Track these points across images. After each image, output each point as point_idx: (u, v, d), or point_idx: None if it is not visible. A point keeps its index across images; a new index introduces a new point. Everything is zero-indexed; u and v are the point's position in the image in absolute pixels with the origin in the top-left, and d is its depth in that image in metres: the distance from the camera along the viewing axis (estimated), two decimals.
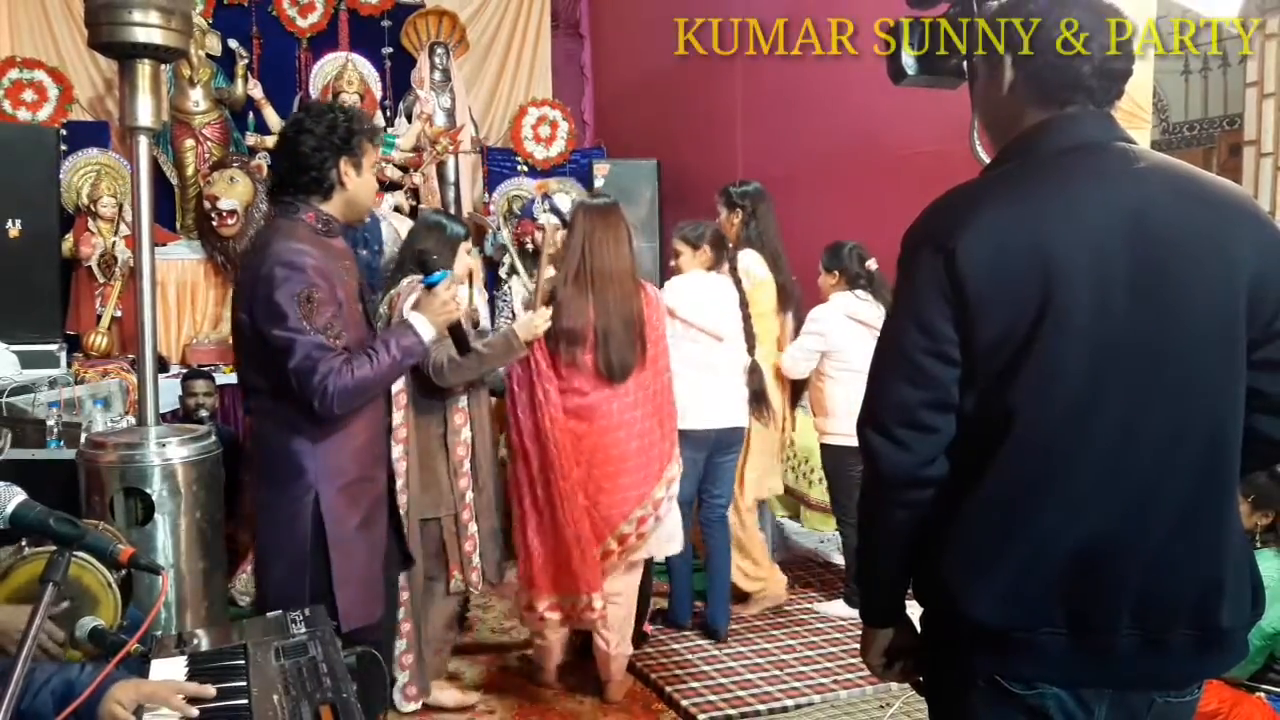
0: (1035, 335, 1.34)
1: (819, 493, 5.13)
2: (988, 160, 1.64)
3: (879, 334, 1.55)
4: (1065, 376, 1.35)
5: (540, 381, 3.23)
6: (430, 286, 2.50)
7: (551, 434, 3.21)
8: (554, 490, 3.23)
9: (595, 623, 3.33)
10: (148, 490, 3.08)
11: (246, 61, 7.16)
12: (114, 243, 6.23)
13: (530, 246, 6.10)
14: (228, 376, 5.39)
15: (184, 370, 5.62)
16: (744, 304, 3.98)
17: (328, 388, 2.26)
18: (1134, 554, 1.36)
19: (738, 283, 4.02)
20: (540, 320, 3.19)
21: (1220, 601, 1.39)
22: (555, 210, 5.88)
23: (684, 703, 3.41)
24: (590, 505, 3.25)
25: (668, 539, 3.43)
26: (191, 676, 1.67)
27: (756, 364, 4.00)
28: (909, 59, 2.18)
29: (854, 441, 1.54)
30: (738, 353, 3.94)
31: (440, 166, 7.31)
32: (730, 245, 4.13)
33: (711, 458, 3.90)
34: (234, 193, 6.32)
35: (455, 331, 2.59)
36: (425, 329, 2.45)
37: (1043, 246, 1.35)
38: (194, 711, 1.54)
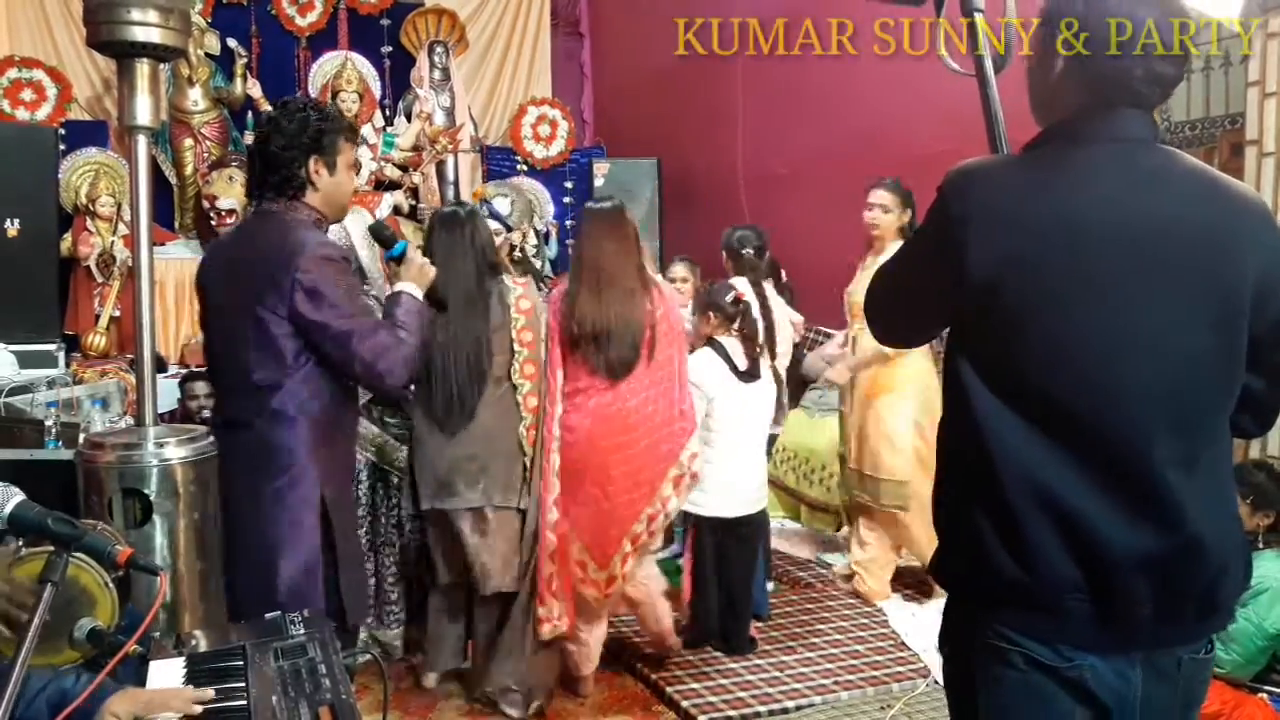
0: (1032, 314, 1.40)
1: (819, 493, 5.15)
2: (956, 68, 1.83)
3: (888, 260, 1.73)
4: (1060, 362, 1.40)
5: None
6: (396, 258, 2.53)
7: (556, 434, 3.27)
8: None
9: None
10: (146, 491, 3.07)
11: (245, 60, 7.14)
12: (112, 242, 6.22)
13: None
14: None
15: (183, 371, 5.60)
16: (766, 311, 4.10)
17: (394, 364, 2.32)
18: (1146, 544, 1.39)
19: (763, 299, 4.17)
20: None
21: (1225, 583, 1.45)
22: (495, 215, 5.79)
23: (684, 703, 3.40)
24: (602, 497, 3.26)
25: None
26: (190, 678, 1.66)
27: (777, 371, 4.13)
28: None
29: None
30: (765, 359, 4.07)
31: (440, 166, 7.30)
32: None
33: None
34: (233, 192, 6.31)
35: (432, 292, 2.60)
36: (416, 292, 2.48)
37: (1049, 232, 1.39)
38: (197, 710, 1.54)
